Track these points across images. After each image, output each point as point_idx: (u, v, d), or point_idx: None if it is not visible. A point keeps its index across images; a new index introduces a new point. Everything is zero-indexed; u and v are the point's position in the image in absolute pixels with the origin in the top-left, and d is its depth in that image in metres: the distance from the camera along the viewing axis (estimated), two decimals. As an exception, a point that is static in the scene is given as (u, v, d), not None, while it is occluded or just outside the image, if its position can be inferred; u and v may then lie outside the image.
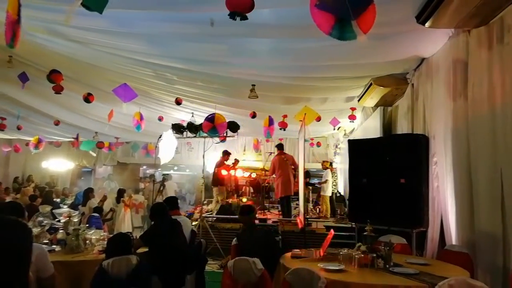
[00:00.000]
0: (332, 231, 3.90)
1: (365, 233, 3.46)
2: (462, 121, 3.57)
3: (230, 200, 9.16)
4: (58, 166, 13.62)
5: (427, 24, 3.27)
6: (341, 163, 10.34)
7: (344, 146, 9.45)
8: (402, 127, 5.43)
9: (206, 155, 8.10)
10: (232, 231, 7.10)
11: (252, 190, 12.06)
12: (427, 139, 4.48)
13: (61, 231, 3.92)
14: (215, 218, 7.93)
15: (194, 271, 4.02)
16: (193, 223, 7.08)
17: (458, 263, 3.26)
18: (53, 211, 4.98)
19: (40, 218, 4.01)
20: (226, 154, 9.07)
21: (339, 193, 9.80)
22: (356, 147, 5.31)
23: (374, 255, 3.17)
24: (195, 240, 4.53)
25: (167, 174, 11.37)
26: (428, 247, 4.26)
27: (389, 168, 4.71)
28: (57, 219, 4.56)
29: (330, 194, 9.29)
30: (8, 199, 9.05)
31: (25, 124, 9.61)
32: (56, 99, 6.70)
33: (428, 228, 4.34)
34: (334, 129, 8.36)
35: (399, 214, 4.50)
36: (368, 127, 7.22)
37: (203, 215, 7.68)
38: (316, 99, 6.66)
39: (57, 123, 9.09)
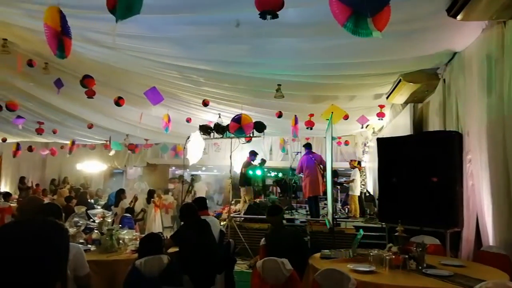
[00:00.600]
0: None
1: (396, 234, 3.38)
2: (497, 117, 3.42)
3: (257, 200, 9.20)
4: (91, 168, 14.13)
5: (458, 17, 3.15)
6: (370, 162, 10.15)
7: (373, 145, 9.26)
8: (434, 124, 5.26)
9: (233, 155, 8.17)
10: (260, 231, 7.13)
11: (279, 190, 12.05)
12: (460, 136, 4.32)
13: (96, 231, 4.07)
14: (243, 218, 7.98)
15: (224, 271, 4.06)
16: (222, 223, 7.15)
17: (496, 265, 3.12)
18: (88, 211, 5.17)
19: (76, 219, 4.17)
20: (253, 154, 9.11)
21: (368, 192, 9.63)
22: (386, 146, 5.19)
23: (406, 256, 3.09)
24: (224, 240, 4.58)
25: (196, 175, 11.54)
26: (463, 248, 4.11)
27: (420, 166, 4.58)
28: (91, 220, 4.73)
29: (358, 194, 9.15)
30: (45, 200, 9.47)
31: (60, 128, 10.03)
32: (89, 103, 6.96)
33: (463, 228, 4.19)
34: (361, 127, 8.21)
35: (432, 214, 4.36)
36: (397, 124, 7.05)
37: (231, 215, 7.75)
38: (343, 97, 6.57)
39: (90, 126, 9.43)
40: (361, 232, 3.72)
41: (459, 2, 3.03)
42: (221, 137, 7.96)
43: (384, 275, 2.92)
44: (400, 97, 5.69)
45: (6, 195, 10.05)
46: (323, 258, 3.51)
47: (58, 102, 7.84)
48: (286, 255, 3.22)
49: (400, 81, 5.22)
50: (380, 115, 7.05)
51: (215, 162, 13.21)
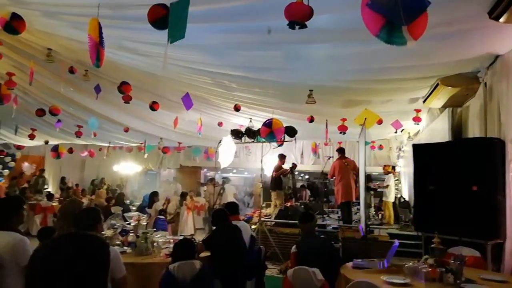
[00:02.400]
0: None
1: (432, 245, 3.26)
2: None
3: (288, 204, 9.15)
4: (127, 169, 14.61)
5: (501, 20, 3.00)
6: (405, 167, 9.85)
7: (408, 149, 8.99)
8: (474, 130, 5.03)
9: (264, 159, 8.20)
10: (291, 236, 7.10)
11: (309, 194, 11.92)
12: (503, 144, 4.10)
13: (132, 234, 4.21)
14: (273, 223, 7.97)
15: (254, 277, 4.07)
16: (252, 227, 7.18)
17: (543, 282, 2.95)
18: (124, 214, 5.35)
19: (113, 221, 4.33)
20: (282, 157, 9.07)
21: (403, 198, 9.35)
22: (422, 152, 5.02)
23: (443, 269, 2.97)
24: (254, 245, 4.60)
25: (226, 178, 11.66)
26: (506, 261, 3.88)
27: (459, 174, 4.39)
28: (127, 222, 4.89)
29: (393, 200, 8.91)
30: (84, 200, 9.93)
31: (99, 131, 10.43)
32: (125, 107, 7.22)
33: (506, 239, 3.96)
34: (395, 132, 7.99)
35: (471, 224, 4.17)
36: (434, 129, 6.80)
37: (262, 219, 7.76)
38: (377, 101, 6.42)
39: (126, 129, 9.75)
40: (397, 243, 3.60)
41: (502, 4, 2.89)
42: (252, 142, 8.00)
43: (419, 289, 2.82)
44: (438, 101, 5.48)
45: (49, 196, 10.60)
46: (355, 268, 3.44)
47: (97, 107, 8.17)
48: (317, 264, 3.19)
49: (437, 85, 5.04)
50: (416, 119, 6.83)
51: (246, 165, 13.29)
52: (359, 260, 3.61)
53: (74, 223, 2.36)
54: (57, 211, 8.35)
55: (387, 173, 9.13)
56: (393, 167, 9.66)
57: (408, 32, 2.02)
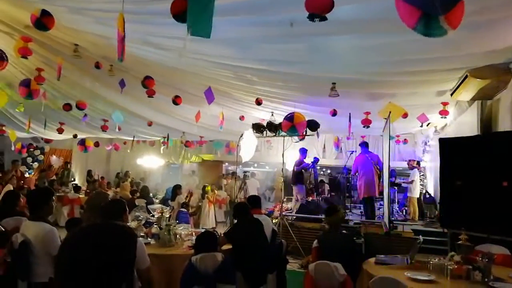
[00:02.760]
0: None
1: (459, 242, 3.17)
2: None
3: (309, 199, 9.11)
4: (150, 162, 14.88)
5: (536, 7, 2.86)
6: (431, 162, 9.60)
7: (434, 143, 8.75)
8: (505, 124, 4.84)
9: (286, 153, 8.16)
10: (312, 231, 7.07)
11: (328, 188, 11.78)
12: (536, 137, 3.94)
13: (155, 225, 4.29)
14: (294, 217, 7.96)
15: (275, 270, 4.08)
16: (273, 221, 7.19)
17: None
18: (148, 206, 5.46)
19: (137, 213, 4.43)
20: (304, 152, 9.01)
21: (429, 194, 9.13)
22: (449, 147, 4.88)
23: (470, 266, 2.89)
24: (276, 239, 4.60)
25: (247, 171, 11.68)
26: (538, 260, 3.74)
27: (488, 169, 4.25)
28: (151, 214, 4.99)
29: (418, 196, 8.71)
30: (109, 192, 10.19)
31: (123, 125, 10.65)
32: (149, 102, 7.32)
33: (538, 238, 3.82)
34: (421, 125, 7.78)
35: (501, 221, 4.03)
36: (463, 122, 6.58)
37: (283, 213, 7.76)
38: (402, 94, 6.25)
39: (150, 124, 9.92)
40: (421, 239, 3.52)
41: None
42: (273, 136, 7.98)
43: (444, 286, 2.75)
44: (466, 93, 5.29)
45: (76, 188, 10.94)
46: (378, 264, 3.39)
47: (121, 101, 8.33)
48: (338, 259, 3.16)
49: (466, 76, 4.86)
50: (443, 113, 6.61)
51: (267, 159, 13.27)
52: (382, 256, 3.55)
53: (101, 214, 2.44)
54: (84, 203, 8.65)
55: (411, 168, 8.93)
56: (418, 162, 9.43)
57: (446, 21, 1.94)
